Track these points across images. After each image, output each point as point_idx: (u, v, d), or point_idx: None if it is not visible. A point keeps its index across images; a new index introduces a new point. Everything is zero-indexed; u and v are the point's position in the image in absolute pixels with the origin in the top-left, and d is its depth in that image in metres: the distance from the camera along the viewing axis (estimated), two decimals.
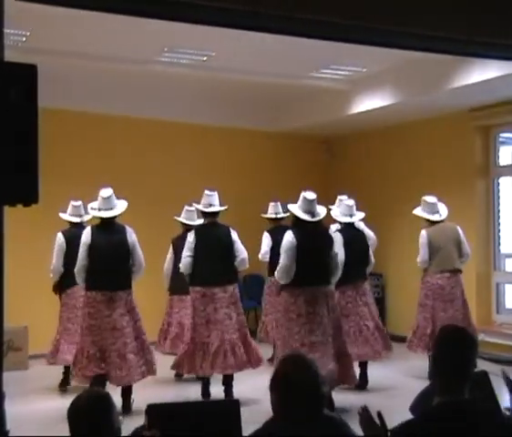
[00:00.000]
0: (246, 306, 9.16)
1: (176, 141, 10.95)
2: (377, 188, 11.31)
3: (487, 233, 9.86)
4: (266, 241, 9.06)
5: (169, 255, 8.68)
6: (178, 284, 8.19)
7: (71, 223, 8.17)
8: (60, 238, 8.01)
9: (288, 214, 8.18)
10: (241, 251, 7.39)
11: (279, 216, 9.58)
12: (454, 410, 2.86)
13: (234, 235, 7.43)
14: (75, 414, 2.85)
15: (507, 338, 9.23)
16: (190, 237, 7.32)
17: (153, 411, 3.61)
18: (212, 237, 7.37)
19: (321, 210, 6.76)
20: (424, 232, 8.35)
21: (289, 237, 6.62)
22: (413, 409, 3.73)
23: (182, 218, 8.79)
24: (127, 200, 7.39)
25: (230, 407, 3.86)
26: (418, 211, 8.47)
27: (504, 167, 9.95)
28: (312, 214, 6.66)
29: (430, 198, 8.41)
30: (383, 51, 6.68)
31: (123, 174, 10.29)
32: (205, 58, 8.77)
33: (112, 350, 6.76)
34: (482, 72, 8.12)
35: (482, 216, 9.89)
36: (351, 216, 7.98)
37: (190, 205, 8.56)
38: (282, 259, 6.61)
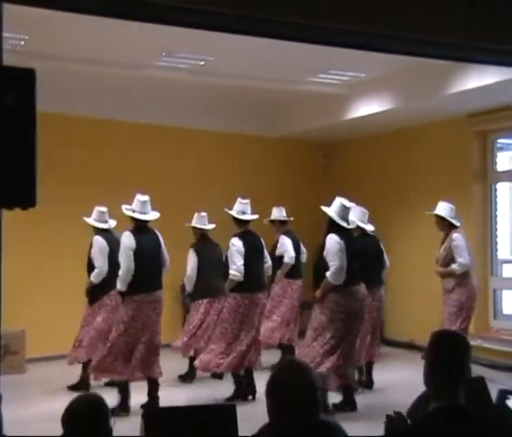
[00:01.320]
0: None
1: (172, 146, 10.94)
2: (375, 193, 11.32)
3: (485, 239, 9.86)
4: (289, 244, 9.00)
5: (194, 261, 8.49)
6: (203, 288, 8.35)
7: (96, 229, 8.17)
8: (101, 240, 8.03)
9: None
10: (268, 258, 7.85)
11: (285, 219, 9.41)
12: (450, 414, 2.87)
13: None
14: (69, 418, 2.85)
15: (504, 344, 9.22)
16: (239, 244, 7.41)
17: (149, 415, 3.61)
18: (253, 243, 7.59)
19: (352, 218, 7.20)
20: (460, 235, 8.13)
21: (336, 239, 6.82)
22: (410, 414, 3.73)
23: (197, 224, 8.72)
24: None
25: (227, 412, 3.86)
26: (437, 211, 8.33)
27: (501, 172, 9.96)
28: (347, 221, 7.00)
29: (449, 204, 8.26)
30: (380, 56, 6.68)
31: (121, 178, 10.30)
32: (203, 63, 8.78)
33: (139, 345, 6.99)
34: (480, 78, 8.14)
35: (479, 221, 9.90)
36: (362, 222, 8.11)
37: (200, 212, 8.73)
38: (336, 261, 6.76)
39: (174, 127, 10.77)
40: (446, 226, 8.11)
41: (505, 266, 9.94)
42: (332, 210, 7.01)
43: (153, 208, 7.72)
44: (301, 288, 9.16)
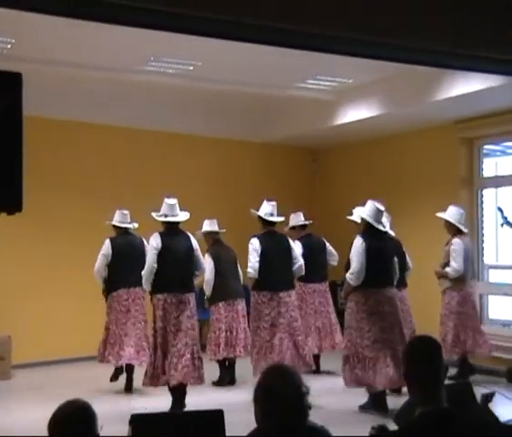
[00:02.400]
0: None
1: (161, 151, 10.93)
2: (363, 198, 11.22)
3: (471, 244, 9.89)
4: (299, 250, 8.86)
5: (211, 265, 8.52)
6: (221, 291, 8.40)
7: (118, 229, 8.35)
8: (107, 243, 8.23)
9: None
10: (299, 258, 7.86)
11: (306, 223, 9.36)
12: (436, 419, 2.89)
13: (292, 243, 7.91)
14: (56, 425, 2.83)
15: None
16: (256, 243, 7.57)
17: (137, 421, 3.59)
18: (275, 244, 7.67)
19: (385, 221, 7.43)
20: (460, 241, 8.38)
21: (359, 242, 7.07)
22: (397, 419, 3.74)
23: (209, 228, 8.80)
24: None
25: (214, 417, 3.84)
26: (445, 216, 8.54)
27: (487, 178, 10.01)
28: (382, 224, 7.23)
29: (460, 209, 8.53)
30: (368, 62, 6.71)
31: (113, 182, 10.28)
32: (191, 68, 8.78)
33: (173, 350, 7.01)
34: (466, 84, 8.19)
35: (466, 227, 9.92)
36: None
37: (211, 218, 8.85)
38: (354, 263, 7.01)
39: (162, 131, 10.75)
40: (454, 230, 8.41)
41: (491, 271, 9.97)
42: (366, 214, 7.20)
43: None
44: (320, 291, 9.03)
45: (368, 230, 7.13)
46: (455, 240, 8.37)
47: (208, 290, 8.44)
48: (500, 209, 9.06)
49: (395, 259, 7.43)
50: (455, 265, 8.28)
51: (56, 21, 5.25)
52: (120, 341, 8.11)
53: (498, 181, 9.99)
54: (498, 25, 5.06)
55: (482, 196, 10.00)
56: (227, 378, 8.58)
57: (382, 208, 7.23)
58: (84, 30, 6.85)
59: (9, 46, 7.72)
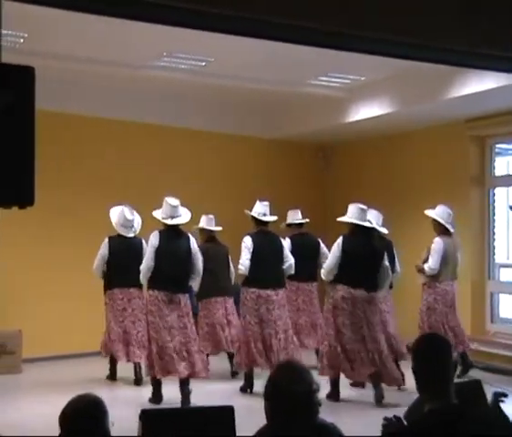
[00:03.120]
0: None
1: (173, 146, 10.92)
2: (373, 196, 11.28)
3: (482, 243, 9.88)
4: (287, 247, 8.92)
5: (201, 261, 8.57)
6: (209, 288, 8.40)
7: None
8: (105, 243, 8.39)
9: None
10: (290, 257, 8.04)
11: (301, 221, 9.42)
12: (445, 415, 2.89)
13: (284, 242, 8.13)
14: (67, 419, 2.84)
15: (501, 347, 9.23)
16: (248, 241, 7.81)
17: (147, 416, 3.60)
18: (267, 243, 7.90)
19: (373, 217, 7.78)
20: (440, 241, 8.54)
21: (338, 241, 7.46)
22: (406, 417, 3.73)
23: (206, 226, 8.92)
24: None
25: (225, 413, 3.85)
26: (432, 214, 8.70)
27: (499, 177, 9.97)
28: (369, 221, 7.54)
29: (448, 209, 8.63)
30: (380, 60, 6.68)
31: (120, 178, 10.29)
32: (204, 64, 8.78)
33: (168, 347, 7.20)
34: (478, 83, 8.15)
35: (477, 226, 9.91)
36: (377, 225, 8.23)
37: (208, 213, 8.96)
38: (328, 260, 7.56)
39: (174, 127, 10.75)
40: (441, 229, 8.55)
41: (502, 269, 9.95)
42: (348, 216, 7.51)
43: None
44: (305, 290, 9.11)
45: (352, 231, 7.45)
46: (436, 239, 8.54)
47: (194, 285, 8.34)
48: None
49: (386, 263, 7.56)
50: (431, 263, 8.48)
51: (69, 16, 5.26)
52: (123, 339, 8.29)
53: (510, 180, 9.95)
54: None
55: (494, 195, 9.96)
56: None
57: (364, 207, 7.49)
58: (97, 25, 6.85)
59: (22, 41, 7.73)
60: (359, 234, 7.43)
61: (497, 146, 10.00)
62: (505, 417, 3.74)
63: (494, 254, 9.90)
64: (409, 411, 3.86)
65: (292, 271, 8.08)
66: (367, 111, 9.96)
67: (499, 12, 5.00)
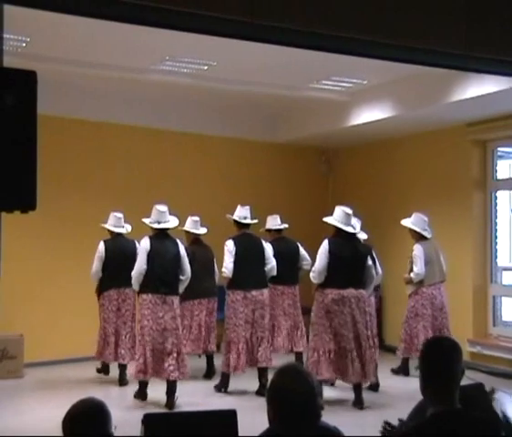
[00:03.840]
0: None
1: (174, 151, 10.93)
2: (375, 199, 11.33)
3: (484, 246, 9.87)
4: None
5: None
6: (194, 289, 8.46)
7: (112, 233, 8.71)
8: (101, 246, 8.58)
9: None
10: (271, 259, 8.28)
11: (280, 227, 9.49)
12: (447, 419, 2.88)
13: (265, 244, 8.33)
14: (69, 423, 2.84)
15: (504, 350, 9.22)
16: (230, 245, 8.05)
17: (150, 420, 3.60)
18: (249, 245, 8.16)
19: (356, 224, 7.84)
20: (420, 247, 8.84)
21: (324, 244, 7.56)
22: (409, 421, 3.73)
23: (190, 229, 9.06)
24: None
25: (227, 417, 3.84)
26: (408, 223, 9.05)
27: (501, 180, 9.96)
28: (353, 227, 7.68)
29: (423, 216, 9.00)
30: (382, 64, 6.69)
31: (122, 183, 10.30)
32: (206, 68, 8.78)
33: (160, 348, 7.42)
34: (479, 87, 8.15)
35: (479, 229, 9.90)
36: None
37: (193, 215, 9.06)
38: (317, 263, 7.55)
39: (176, 131, 10.76)
40: (417, 236, 8.92)
41: (504, 273, 9.94)
42: (334, 218, 7.63)
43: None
44: (289, 293, 9.26)
45: (337, 234, 7.59)
46: (416, 246, 8.87)
47: (180, 288, 8.47)
48: None
49: (369, 263, 7.73)
50: (417, 269, 8.77)
51: (71, 20, 5.27)
52: (113, 340, 8.49)
53: None
54: None
55: (496, 198, 9.95)
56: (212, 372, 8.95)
57: (349, 211, 7.65)
58: (99, 29, 6.88)
59: (24, 45, 7.75)
60: (344, 236, 7.56)
61: (499, 149, 10.00)
62: (508, 421, 3.74)
63: (496, 257, 9.90)
64: (411, 415, 3.85)
65: (274, 273, 8.29)
66: (369, 115, 9.96)
67: (499, 16, 5.01)
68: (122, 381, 8.44)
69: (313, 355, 7.46)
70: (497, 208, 9.95)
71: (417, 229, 8.90)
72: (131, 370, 7.80)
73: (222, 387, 8.08)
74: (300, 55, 6.70)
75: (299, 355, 9.15)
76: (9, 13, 3.79)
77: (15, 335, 8.89)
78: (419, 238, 8.91)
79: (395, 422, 3.53)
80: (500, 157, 10.03)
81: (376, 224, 10.55)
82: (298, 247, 9.32)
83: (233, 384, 8.10)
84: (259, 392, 7.79)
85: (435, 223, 10.26)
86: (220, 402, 7.52)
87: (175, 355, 7.43)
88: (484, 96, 8.20)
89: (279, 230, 9.45)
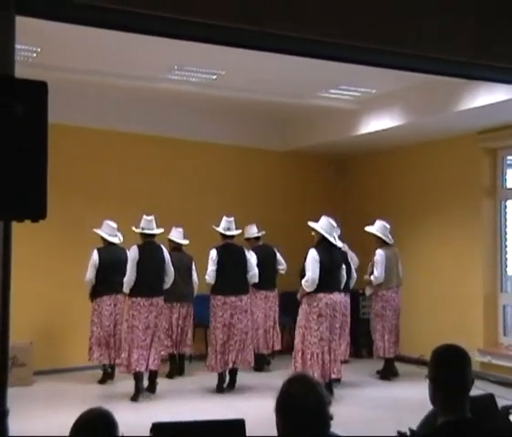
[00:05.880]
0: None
1: (184, 159, 10.96)
2: (384, 208, 11.30)
3: (494, 255, 9.83)
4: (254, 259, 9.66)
5: None
6: (172, 294, 9.03)
7: (105, 241, 9.17)
8: (95, 254, 9.07)
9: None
10: (253, 267, 8.92)
11: (259, 234, 10.18)
12: (458, 428, 2.87)
13: (248, 253, 8.93)
14: (77, 432, 2.84)
15: None
16: (213, 254, 8.66)
17: (158, 429, 3.59)
18: (231, 255, 8.74)
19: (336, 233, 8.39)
20: (381, 252, 9.51)
21: (313, 253, 8.07)
22: (419, 430, 3.71)
23: (173, 237, 9.64)
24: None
25: (236, 427, 3.84)
26: (372, 229, 9.61)
27: (511, 189, 9.93)
28: (335, 238, 8.26)
29: (386, 223, 9.60)
30: (391, 73, 6.70)
31: (131, 190, 10.32)
32: (215, 77, 8.81)
33: (142, 344, 8.22)
34: (488, 95, 8.14)
35: (489, 238, 9.86)
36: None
37: (178, 226, 9.66)
38: (309, 272, 8.01)
39: (185, 140, 10.79)
40: (380, 241, 9.53)
41: None
42: (321, 227, 8.20)
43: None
44: (270, 297, 9.96)
45: (322, 242, 8.15)
46: (378, 251, 9.52)
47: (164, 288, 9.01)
48: None
49: (344, 266, 8.47)
50: (377, 273, 9.43)
51: (81, 30, 5.30)
52: (105, 343, 9.00)
53: None
54: None
55: (505, 207, 9.92)
56: (175, 370, 9.63)
57: (334, 223, 8.25)
58: (108, 39, 6.90)
59: (35, 55, 7.80)
60: (327, 245, 8.16)
61: (509, 158, 9.96)
62: None
63: (506, 266, 9.85)
64: (423, 424, 3.83)
65: (256, 280, 8.93)
66: (378, 123, 9.96)
67: (508, 24, 5.00)
68: (104, 381, 9.04)
69: (300, 357, 8.00)
70: (507, 216, 9.91)
71: (380, 235, 9.49)
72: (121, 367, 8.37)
73: (220, 388, 8.63)
74: (308, 64, 6.70)
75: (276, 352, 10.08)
76: (20, 23, 3.82)
77: (24, 343, 8.91)
78: (381, 243, 9.53)
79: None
80: (510, 165, 9.99)
81: None
82: (275, 252, 10.05)
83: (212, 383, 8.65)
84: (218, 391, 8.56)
85: (444, 231, 10.25)
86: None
87: (153, 350, 8.27)
88: (494, 105, 8.18)
89: (257, 238, 10.13)
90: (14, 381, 8.57)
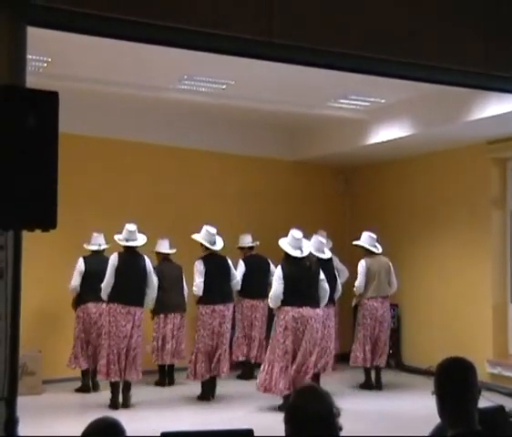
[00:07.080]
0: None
1: (193, 169, 10.97)
2: (393, 218, 11.29)
3: (504, 265, 9.78)
4: (241, 269, 9.89)
5: (155, 280, 9.21)
6: (163, 304, 9.29)
7: (92, 250, 9.30)
8: (80, 262, 9.18)
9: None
10: (236, 275, 9.14)
11: (253, 244, 10.34)
12: None
13: (230, 262, 9.01)
14: None
15: None
16: (200, 265, 8.71)
17: None
18: (216, 264, 8.81)
19: (306, 245, 8.31)
20: (364, 262, 9.60)
21: (278, 269, 8.12)
22: None
23: (159, 248, 9.71)
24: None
25: (245, 436, 3.82)
26: (357, 242, 9.74)
27: None
28: (301, 250, 8.15)
29: (372, 234, 9.69)
30: (400, 83, 6.69)
31: (141, 200, 10.33)
32: (224, 87, 8.83)
33: (122, 353, 8.21)
34: (498, 105, 8.11)
35: (498, 248, 9.82)
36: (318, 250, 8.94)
37: (163, 238, 9.72)
38: (273, 288, 8.10)
39: (194, 149, 10.80)
40: (365, 252, 9.63)
41: None
42: (285, 242, 8.21)
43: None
44: (258, 307, 10.02)
45: (287, 258, 8.16)
46: (360, 261, 9.65)
47: (151, 304, 8.99)
48: None
49: (321, 277, 8.27)
50: (357, 282, 9.58)
51: (91, 40, 5.33)
52: (91, 349, 9.05)
53: None
54: None
55: None
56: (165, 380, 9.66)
57: (298, 236, 8.17)
58: (118, 49, 6.94)
59: (45, 65, 7.84)
60: (294, 259, 8.10)
61: None
62: None
63: None
64: (432, 435, 3.81)
65: (239, 287, 9.22)
66: (387, 133, 9.95)
67: None
68: (87, 389, 9.03)
69: (267, 368, 8.02)
70: None
71: (365, 245, 9.60)
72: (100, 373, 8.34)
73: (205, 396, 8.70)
74: (317, 74, 6.72)
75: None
76: (31, 34, 3.85)
77: (34, 351, 8.92)
78: (366, 253, 9.62)
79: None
80: None
81: (393, 242, 10.52)
82: (269, 263, 10.00)
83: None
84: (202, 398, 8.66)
85: (453, 241, 10.21)
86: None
87: (131, 360, 8.22)
88: (504, 115, 8.15)
89: (251, 248, 10.24)
90: (23, 389, 8.54)
